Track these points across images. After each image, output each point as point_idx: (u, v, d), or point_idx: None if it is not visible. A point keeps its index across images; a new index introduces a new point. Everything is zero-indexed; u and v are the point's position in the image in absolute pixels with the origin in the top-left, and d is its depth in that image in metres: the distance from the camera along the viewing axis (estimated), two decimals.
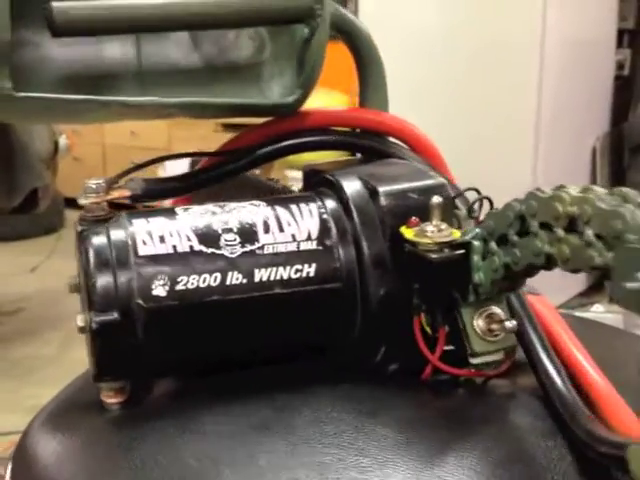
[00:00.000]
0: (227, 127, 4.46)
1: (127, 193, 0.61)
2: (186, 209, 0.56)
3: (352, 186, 0.55)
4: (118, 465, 0.51)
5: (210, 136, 4.44)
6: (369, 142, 0.71)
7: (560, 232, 0.43)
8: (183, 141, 4.45)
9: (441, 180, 0.57)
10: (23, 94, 0.58)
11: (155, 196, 0.64)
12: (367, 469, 0.46)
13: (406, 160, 0.67)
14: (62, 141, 2.88)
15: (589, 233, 0.41)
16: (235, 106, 0.66)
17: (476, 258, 0.51)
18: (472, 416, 0.52)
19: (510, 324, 0.51)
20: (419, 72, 2.75)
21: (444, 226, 0.53)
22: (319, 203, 0.56)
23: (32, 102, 0.60)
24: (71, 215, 4.78)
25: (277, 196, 0.59)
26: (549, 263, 0.45)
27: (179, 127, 4.63)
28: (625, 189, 0.42)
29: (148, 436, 0.53)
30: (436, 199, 0.53)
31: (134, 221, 0.55)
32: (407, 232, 0.54)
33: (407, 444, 0.48)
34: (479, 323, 0.52)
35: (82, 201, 0.58)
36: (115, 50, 0.65)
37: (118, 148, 4.94)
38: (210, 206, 0.56)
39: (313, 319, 0.55)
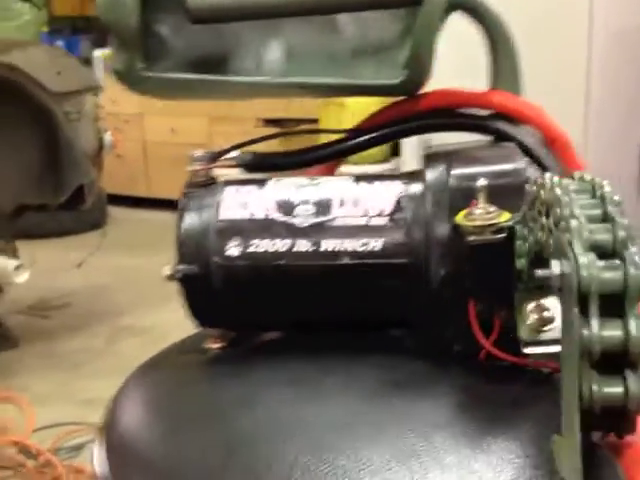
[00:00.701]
0: (268, 122, 4.48)
1: (230, 163, 0.66)
2: (278, 180, 0.60)
3: (435, 168, 0.56)
4: (204, 412, 0.56)
5: (251, 131, 4.46)
6: (497, 126, 0.69)
7: (543, 219, 0.43)
8: (224, 137, 4.48)
9: (519, 165, 0.56)
10: (153, 74, 0.63)
11: (258, 168, 0.67)
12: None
13: (529, 147, 0.66)
14: (107, 138, 2.91)
15: (550, 221, 0.41)
16: (350, 87, 0.67)
17: (519, 243, 0.50)
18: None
19: (549, 315, 0.50)
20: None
21: (492, 209, 0.53)
22: (404, 182, 0.57)
23: (162, 81, 0.67)
24: (114, 212, 4.85)
25: (368, 173, 0.60)
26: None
27: (219, 123, 4.66)
28: (597, 179, 0.40)
29: (235, 385, 0.56)
30: (481, 182, 0.53)
31: (226, 188, 0.61)
32: (459, 215, 0.54)
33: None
34: (529, 312, 0.50)
35: (189, 168, 0.64)
36: (245, 32, 0.68)
37: (159, 145, 4.98)
38: (301, 179, 0.60)
39: (376, 292, 0.57)
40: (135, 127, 4.96)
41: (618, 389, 0.33)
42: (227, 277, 0.60)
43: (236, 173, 0.69)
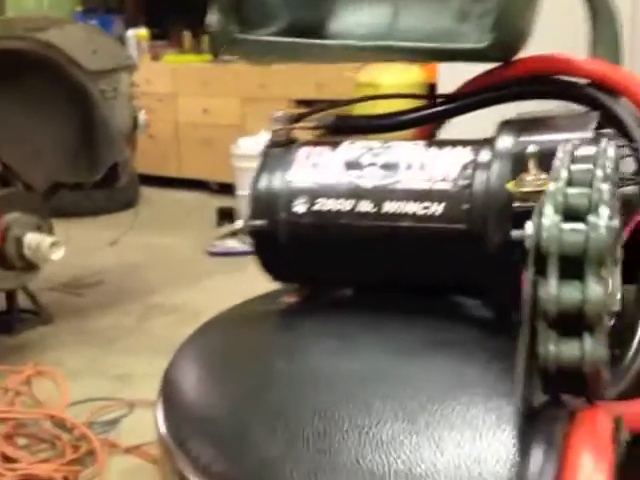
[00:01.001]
0: (300, 103, 4.47)
1: (310, 125, 0.68)
2: (352, 142, 0.61)
3: (505, 136, 0.55)
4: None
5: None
6: (592, 95, 0.67)
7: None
8: (256, 117, 4.48)
9: (586, 134, 0.55)
10: (246, 36, 0.68)
11: (339, 131, 0.68)
12: None
13: (621, 118, 0.64)
14: (141, 117, 2.92)
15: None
16: (441, 51, 0.66)
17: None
18: None
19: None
20: None
21: (543, 176, 0.51)
22: (474, 149, 0.57)
23: (254, 44, 0.71)
24: (146, 192, 4.88)
25: (442, 139, 0.60)
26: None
27: (252, 104, 4.66)
28: (610, 147, 0.39)
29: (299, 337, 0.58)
30: (532, 148, 0.52)
31: (301, 149, 0.64)
32: (511, 181, 0.53)
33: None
34: None
35: (270, 128, 0.68)
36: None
37: (191, 125, 5.00)
38: (374, 142, 0.60)
39: (434, 256, 0.56)
40: (168, 107, 4.98)
41: (574, 350, 0.32)
42: (292, 233, 0.62)
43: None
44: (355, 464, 0.44)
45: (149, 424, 2.19)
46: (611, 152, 0.38)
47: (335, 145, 0.61)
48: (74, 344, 2.76)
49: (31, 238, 2.57)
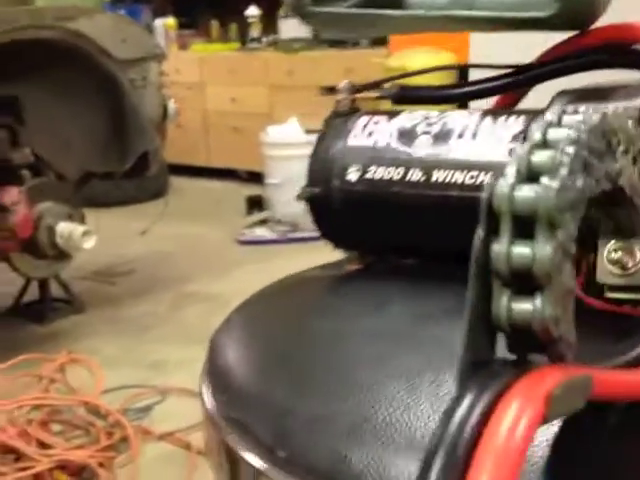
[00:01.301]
0: (329, 90, 4.44)
1: (374, 95, 0.68)
2: (411, 112, 0.60)
3: (557, 105, 0.54)
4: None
5: (312, 99, 4.42)
6: None
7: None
8: (284, 105, 4.48)
9: (636, 104, 0.52)
10: (319, 9, 0.68)
11: (403, 101, 0.68)
12: None
13: None
14: (171, 105, 2.93)
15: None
16: (504, 20, 0.64)
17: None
18: None
19: (630, 259, 0.46)
20: None
21: None
22: (527, 119, 0.55)
23: (327, 16, 0.71)
24: (175, 181, 4.89)
25: (497, 109, 0.59)
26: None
27: (280, 92, 4.65)
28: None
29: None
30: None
31: (360, 118, 0.64)
32: None
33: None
34: (611, 255, 0.47)
35: (336, 97, 0.69)
36: None
37: (219, 114, 5.00)
38: (432, 112, 0.59)
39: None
40: (196, 96, 4.98)
41: (526, 309, 0.32)
42: (345, 200, 0.63)
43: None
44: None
45: (182, 411, 2.21)
46: (594, 119, 0.36)
47: (393, 115, 0.61)
48: (107, 332, 2.78)
49: (63, 227, 2.59)
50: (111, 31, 2.68)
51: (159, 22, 5.23)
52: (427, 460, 0.30)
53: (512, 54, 0.82)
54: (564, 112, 0.37)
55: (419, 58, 3.12)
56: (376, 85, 0.68)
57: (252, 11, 5.13)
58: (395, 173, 0.59)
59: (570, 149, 0.33)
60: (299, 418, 0.45)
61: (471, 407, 0.31)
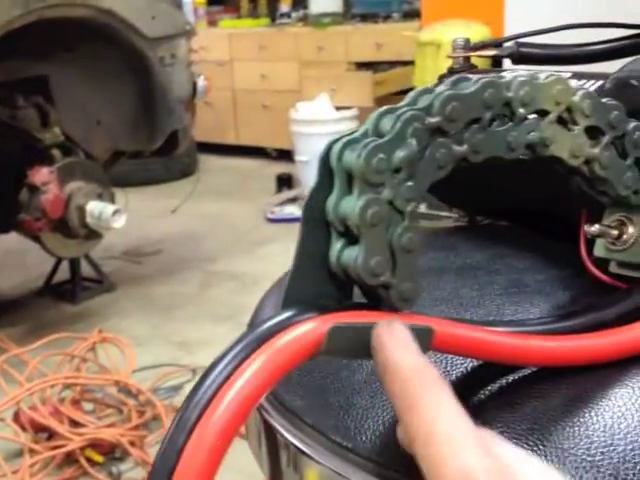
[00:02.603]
0: (360, 66, 4.41)
1: (490, 53, 0.62)
2: (511, 72, 0.55)
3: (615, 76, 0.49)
4: None
5: (343, 75, 4.39)
6: None
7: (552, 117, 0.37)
8: (314, 81, 4.43)
9: None
10: None
11: (520, 60, 0.62)
12: None
13: None
14: (200, 82, 2.90)
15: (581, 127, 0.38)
16: None
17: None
18: None
19: (621, 233, 0.43)
20: None
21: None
22: (593, 81, 0.51)
23: None
24: (204, 160, 4.89)
25: (586, 72, 0.54)
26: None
27: (310, 68, 4.60)
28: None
29: None
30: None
31: (467, 77, 0.59)
32: None
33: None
34: (608, 229, 0.43)
35: (450, 54, 0.62)
36: None
37: (248, 92, 4.97)
38: (529, 73, 0.55)
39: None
40: (225, 74, 4.95)
41: (349, 255, 0.34)
42: None
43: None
44: None
45: None
46: (471, 88, 0.36)
47: (496, 74, 0.57)
48: (137, 312, 2.79)
49: (93, 206, 2.59)
50: (141, 8, 2.65)
51: None
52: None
53: (548, 24, 0.79)
54: (457, 82, 0.37)
55: (452, 31, 3.06)
56: (495, 45, 0.63)
57: None
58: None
59: (409, 114, 0.34)
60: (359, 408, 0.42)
61: (232, 350, 0.32)
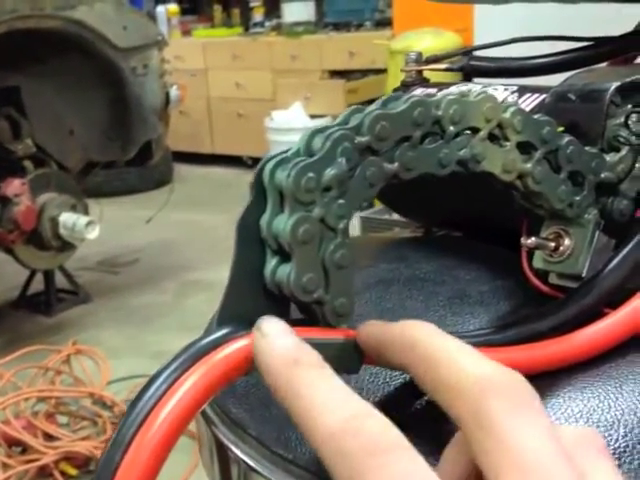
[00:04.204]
0: (333, 74, 4.42)
1: (442, 66, 0.62)
2: (460, 85, 0.55)
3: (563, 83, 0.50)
4: None
5: (316, 83, 4.41)
6: None
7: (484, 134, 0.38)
8: (288, 89, 4.44)
9: (607, 86, 0.49)
10: None
11: (471, 73, 0.63)
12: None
13: None
14: (173, 92, 2.91)
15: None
16: None
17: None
18: None
19: (558, 245, 0.43)
20: None
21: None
22: (540, 95, 0.52)
23: None
24: (179, 169, 4.88)
25: (533, 85, 0.55)
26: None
27: (284, 76, 4.61)
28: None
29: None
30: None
31: (416, 90, 0.58)
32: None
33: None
34: (545, 241, 0.43)
35: (403, 69, 0.61)
36: None
37: (223, 101, 4.97)
38: (475, 85, 0.55)
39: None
40: (199, 83, 4.95)
41: (283, 272, 0.34)
42: None
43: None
44: None
45: None
46: (402, 107, 0.36)
47: (446, 87, 0.56)
48: (112, 322, 2.78)
49: (66, 218, 2.58)
50: (112, 19, 2.65)
51: (161, 9, 5.20)
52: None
53: (517, 34, 0.80)
54: (387, 101, 0.37)
55: (423, 39, 3.09)
56: (448, 57, 0.63)
57: None
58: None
59: (338, 134, 0.34)
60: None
61: (166, 368, 0.32)
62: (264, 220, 0.34)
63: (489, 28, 2.52)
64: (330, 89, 4.29)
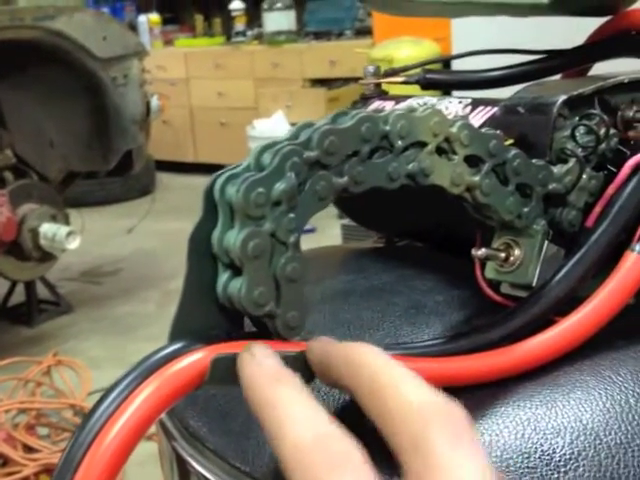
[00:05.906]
0: (314, 82, 4.43)
1: (399, 79, 0.62)
2: (417, 98, 0.56)
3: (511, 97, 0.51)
4: None
5: (298, 92, 4.42)
6: None
7: (432, 148, 0.39)
8: (270, 98, 4.45)
9: (555, 99, 0.49)
10: None
11: (428, 86, 0.63)
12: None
13: None
14: (154, 102, 2.91)
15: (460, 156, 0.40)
16: (506, 5, 0.62)
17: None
18: None
19: (508, 255, 0.44)
20: None
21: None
22: (492, 109, 0.53)
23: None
24: (162, 178, 4.87)
25: (486, 98, 0.55)
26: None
27: (266, 85, 4.62)
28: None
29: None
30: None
31: (374, 103, 0.59)
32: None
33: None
34: (496, 251, 0.44)
35: (361, 82, 0.62)
36: None
37: (205, 109, 4.97)
38: (429, 98, 0.56)
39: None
40: (181, 92, 4.95)
41: (234, 286, 0.34)
42: None
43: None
44: None
45: None
46: (348, 123, 0.37)
47: (402, 100, 0.57)
48: (94, 333, 2.77)
49: (47, 228, 2.57)
50: (91, 29, 2.65)
51: (143, 18, 5.19)
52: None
53: (494, 44, 0.81)
54: (336, 116, 0.38)
55: (403, 47, 3.11)
56: (405, 70, 0.63)
57: (236, 5, 5.10)
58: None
59: (288, 148, 0.35)
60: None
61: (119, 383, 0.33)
62: (215, 235, 0.35)
63: (467, 37, 2.54)
64: (311, 97, 4.30)
